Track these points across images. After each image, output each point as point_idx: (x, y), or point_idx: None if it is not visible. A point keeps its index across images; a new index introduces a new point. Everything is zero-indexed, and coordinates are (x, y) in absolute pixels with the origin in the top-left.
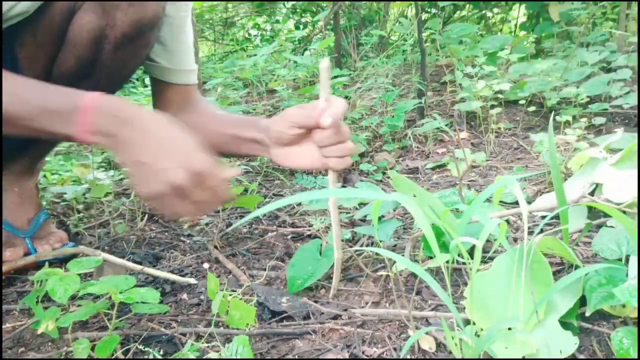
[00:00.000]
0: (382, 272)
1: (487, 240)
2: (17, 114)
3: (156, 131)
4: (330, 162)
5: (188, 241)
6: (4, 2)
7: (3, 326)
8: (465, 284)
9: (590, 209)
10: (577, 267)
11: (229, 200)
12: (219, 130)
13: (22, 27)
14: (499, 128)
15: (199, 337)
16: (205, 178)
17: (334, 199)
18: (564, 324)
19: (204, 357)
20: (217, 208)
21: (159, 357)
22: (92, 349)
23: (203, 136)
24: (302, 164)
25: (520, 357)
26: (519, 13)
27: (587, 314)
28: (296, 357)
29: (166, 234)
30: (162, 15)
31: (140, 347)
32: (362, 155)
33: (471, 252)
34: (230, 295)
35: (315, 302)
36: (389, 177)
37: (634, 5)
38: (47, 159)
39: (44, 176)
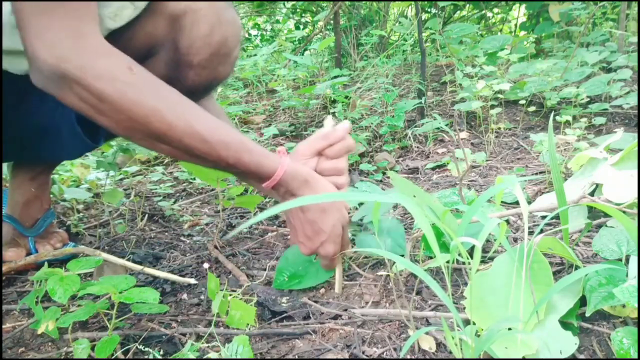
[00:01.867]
0: (382, 272)
1: (487, 240)
2: (204, 153)
3: (322, 189)
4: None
5: (188, 241)
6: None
7: (3, 326)
8: (465, 284)
9: (590, 209)
10: (577, 267)
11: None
12: None
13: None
14: (499, 128)
15: (199, 337)
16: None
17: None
18: (564, 324)
19: (204, 357)
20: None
21: (159, 357)
22: (92, 349)
23: None
24: None
25: (520, 357)
26: (519, 13)
27: (587, 314)
28: (296, 357)
29: (166, 234)
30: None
31: (140, 347)
32: (362, 155)
33: (471, 252)
34: (230, 295)
35: (315, 302)
36: (389, 177)
37: (634, 5)
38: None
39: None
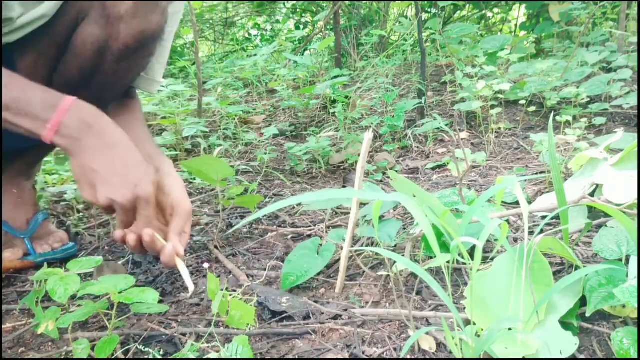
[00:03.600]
0: (382, 272)
1: (487, 241)
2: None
3: (119, 147)
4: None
5: (188, 241)
6: (22, 4)
7: (3, 326)
8: (466, 284)
9: (590, 209)
10: (577, 267)
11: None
12: None
13: (22, 37)
14: (499, 128)
15: (199, 337)
16: (140, 206)
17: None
18: (564, 324)
19: (204, 357)
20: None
21: (159, 357)
22: (92, 349)
23: None
24: None
25: (521, 357)
26: (519, 13)
27: (588, 314)
28: (296, 357)
29: None
30: (164, 27)
31: (140, 347)
32: None
33: (471, 252)
34: (230, 295)
35: (316, 302)
36: (389, 177)
37: (634, 5)
38: (46, 158)
39: (43, 176)
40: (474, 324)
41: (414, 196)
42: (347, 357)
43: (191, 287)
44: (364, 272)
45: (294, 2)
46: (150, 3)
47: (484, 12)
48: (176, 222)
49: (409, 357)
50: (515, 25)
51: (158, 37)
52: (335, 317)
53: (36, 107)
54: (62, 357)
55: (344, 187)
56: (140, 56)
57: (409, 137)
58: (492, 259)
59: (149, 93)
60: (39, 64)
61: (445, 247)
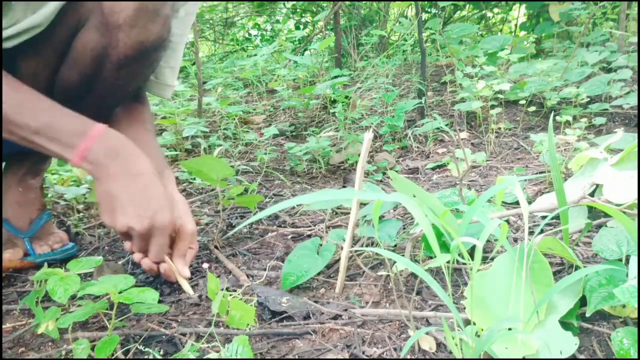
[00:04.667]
0: (382, 272)
1: (487, 241)
2: (21, 123)
3: (142, 177)
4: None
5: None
6: (16, 14)
7: (3, 326)
8: (466, 284)
9: (590, 209)
10: (577, 267)
11: (154, 268)
12: None
13: (24, 42)
14: (499, 128)
15: (199, 337)
16: (156, 234)
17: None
18: (564, 324)
19: (204, 357)
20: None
21: (159, 357)
22: (92, 349)
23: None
24: None
25: (521, 357)
26: (519, 13)
27: (588, 315)
28: (296, 357)
29: None
30: (166, 37)
31: (140, 347)
32: None
33: (471, 252)
34: (230, 295)
35: (316, 302)
36: (389, 177)
37: (634, 5)
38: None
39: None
40: (474, 324)
41: (414, 196)
42: (347, 357)
43: (191, 293)
44: (364, 272)
45: (294, 2)
46: (150, 13)
47: (484, 12)
48: (180, 245)
49: (409, 357)
50: (515, 25)
51: (160, 47)
52: (335, 317)
53: (66, 134)
54: (62, 357)
55: (344, 187)
56: (141, 65)
57: (409, 137)
58: (492, 259)
59: (162, 98)
60: (40, 68)
61: (445, 247)
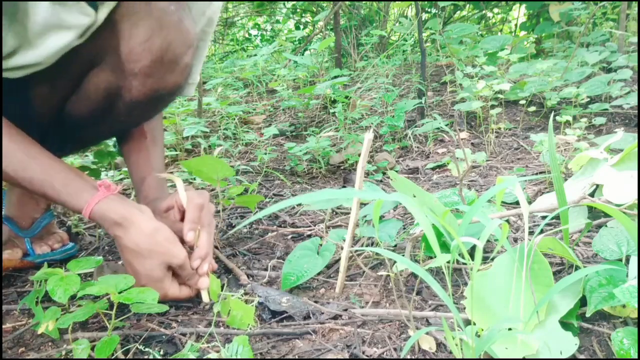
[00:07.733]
0: (383, 272)
1: (487, 241)
2: (21, 179)
3: (136, 236)
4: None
5: None
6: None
7: (3, 326)
8: (466, 284)
9: (590, 209)
10: (577, 267)
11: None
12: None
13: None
14: (499, 128)
15: (199, 337)
16: (178, 270)
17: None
18: (565, 324)
19: (204, 357)
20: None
21: (159, 357)
22: (92, 349)
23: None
24: None
25: (521, 357)
26: (519, 13)
27: (588, 315)
28: (296, 357)
29: None
30: (184, 84)
31: (140, 347)
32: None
33: (471, 252)
34: (230, 295)
35: (316, 302)
36: (389, 177)
37: (634, 5)
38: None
39: None
40: (474, 324)
41: (414, 196)
42: (347, 357)
43: (207, 301)
44: (364, 272)
45: (294, 2)
46: (168, 64)
47: (484, 12)
48: (189, 214)
49: (409, 357)
50: (515, 25)
51: (176, 93)
52: (335, 317)
53: (71, 198)
54: (62, 357)
55: (344, 187)
56: (154, 107)
57: (409, 137)
58: (492, 259)
59: (185, 97)
60: (52, 95)
61: (445, 247)
